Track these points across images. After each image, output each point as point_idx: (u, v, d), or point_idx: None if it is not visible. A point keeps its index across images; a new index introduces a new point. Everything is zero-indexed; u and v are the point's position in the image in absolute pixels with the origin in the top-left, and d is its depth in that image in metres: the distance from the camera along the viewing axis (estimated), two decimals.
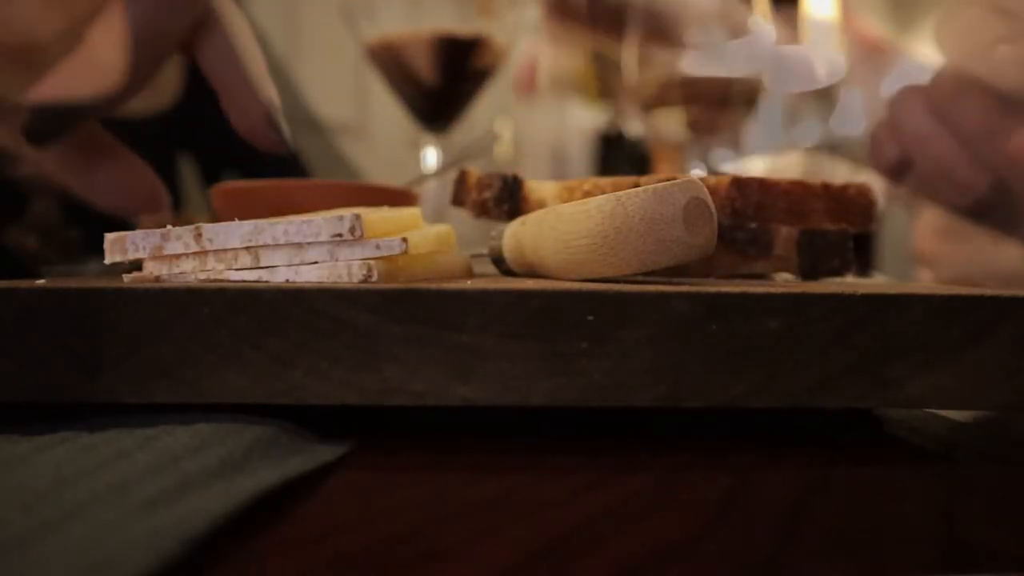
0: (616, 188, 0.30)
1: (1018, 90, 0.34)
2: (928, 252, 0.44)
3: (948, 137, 0.38)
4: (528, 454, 0.23)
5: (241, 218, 0.42)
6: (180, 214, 0.63)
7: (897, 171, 0.42)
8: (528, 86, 0.67)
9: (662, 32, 0.67)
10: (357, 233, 0.25)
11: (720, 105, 0.65)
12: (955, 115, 0.37)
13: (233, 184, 0.44)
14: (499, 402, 0.22)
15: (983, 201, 0.38)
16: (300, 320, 0.22)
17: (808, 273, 0.33)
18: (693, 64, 0.66)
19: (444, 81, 0.63)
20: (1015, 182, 0.36)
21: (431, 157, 0.66)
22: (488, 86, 0.66)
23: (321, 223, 0.25)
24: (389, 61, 0.63)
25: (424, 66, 0.62)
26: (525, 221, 0.31)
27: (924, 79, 0.40)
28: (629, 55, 0.69)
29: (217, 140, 0.91)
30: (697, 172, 0.60)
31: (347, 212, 0.26)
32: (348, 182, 0.43)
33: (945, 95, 0.38)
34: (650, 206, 0.24)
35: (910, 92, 0.40)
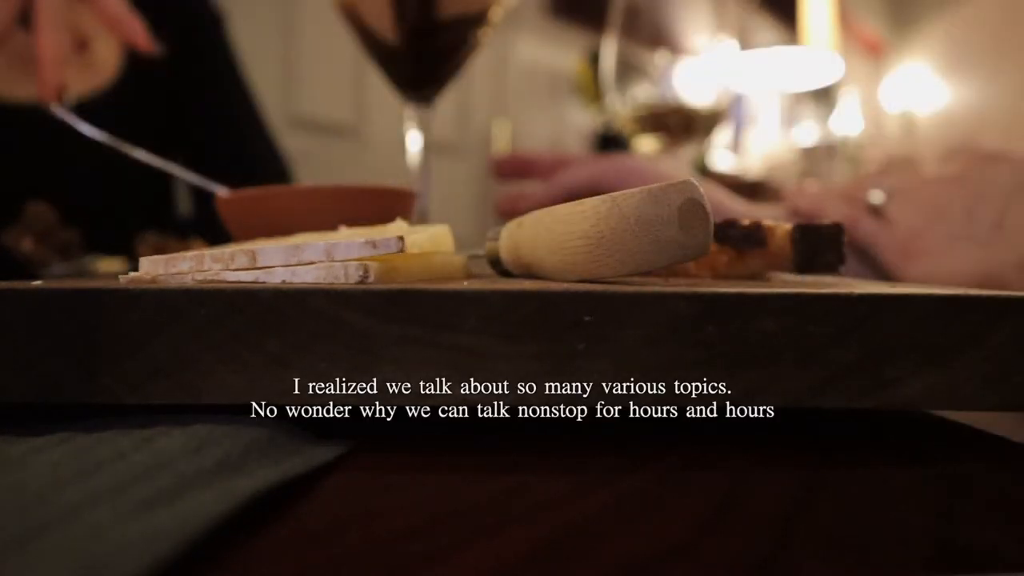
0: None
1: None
2: (895, 268, 0.52)
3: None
4: (526, 455, 0.23)
5: (247, 224, 0.43)
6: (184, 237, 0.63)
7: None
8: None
9: (653, 34, 0.69)
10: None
11: (684, 132, 0.71)
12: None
13: (237, 193, 0.44)
14: (496, 403, 0.22)
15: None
16: (297, 321, 0.22)
17: (803, 267, 0.33)
18: (667, 92, 0.70)
19: (409, 40, 0.55)
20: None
21: (414, 141, 0.59)
22: (471, 45, 0.58)
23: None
24: (353, 22, 0.56)
25: (384, 23, 0.54)
26: (521, 223, 0.31)
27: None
28: (608, 56, 0.70)
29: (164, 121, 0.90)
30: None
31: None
32: (349, 185, 0.43)
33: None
34: (645, 207, 0.24)
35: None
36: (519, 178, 0.68)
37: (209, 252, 0.27)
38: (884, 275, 0.53)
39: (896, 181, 0.55)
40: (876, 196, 0.55)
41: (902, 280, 0.51)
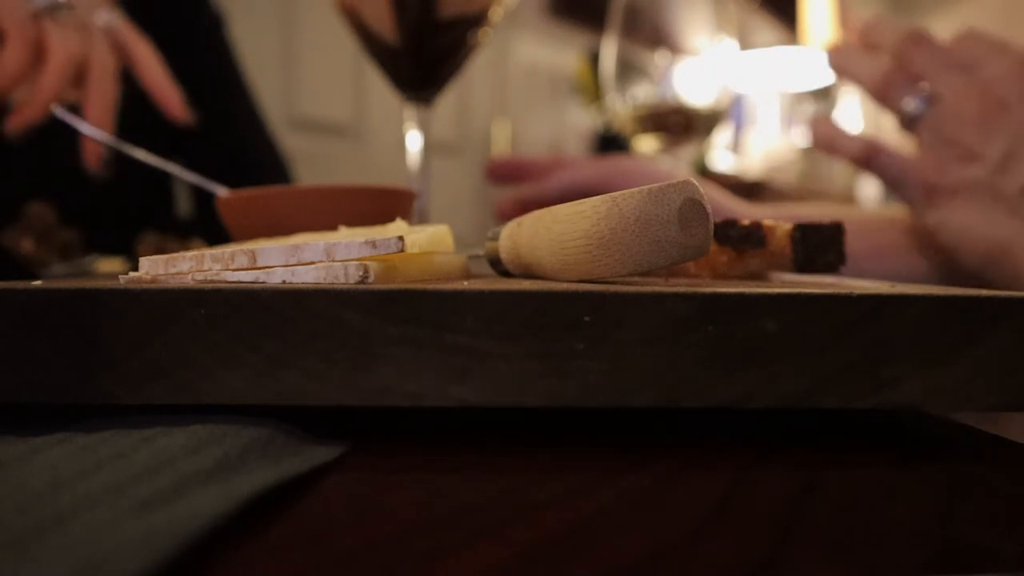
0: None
1: None
2: (919, 205, 0.51)
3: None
4: (524, 455, 0.23)
5: (249, 225, 0.43)
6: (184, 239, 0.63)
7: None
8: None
9: (653, 34, 0.69)
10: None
11: (684, 132, 0.71)
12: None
13: (237, 193, 0.44)
14: (495, 403, 0.22)
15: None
16: (296, 321, 0.22)
17: (803, 267, 0.33)
18: (667, 88, 0.70)
19: (409, 40, 0.55)
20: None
21: (414, 141, 0.59)
22: (471, 45, 0.58)
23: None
24: (353, 22, 0.56)
25: (384, 23, 0.54)
26: (521, 222, 0.31)
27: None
28: (608, 56, 0.70)
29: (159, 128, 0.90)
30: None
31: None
32: (349, 185, 0.42)
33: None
34: (645, 207, 0.24)
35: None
36: (514, 182, 0.68)
37: (209, 252, 0.27)
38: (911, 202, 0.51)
39: (943, 85, 0.49)
40: (911, 104, 0.50)
41: (922, 218, 0.50)
